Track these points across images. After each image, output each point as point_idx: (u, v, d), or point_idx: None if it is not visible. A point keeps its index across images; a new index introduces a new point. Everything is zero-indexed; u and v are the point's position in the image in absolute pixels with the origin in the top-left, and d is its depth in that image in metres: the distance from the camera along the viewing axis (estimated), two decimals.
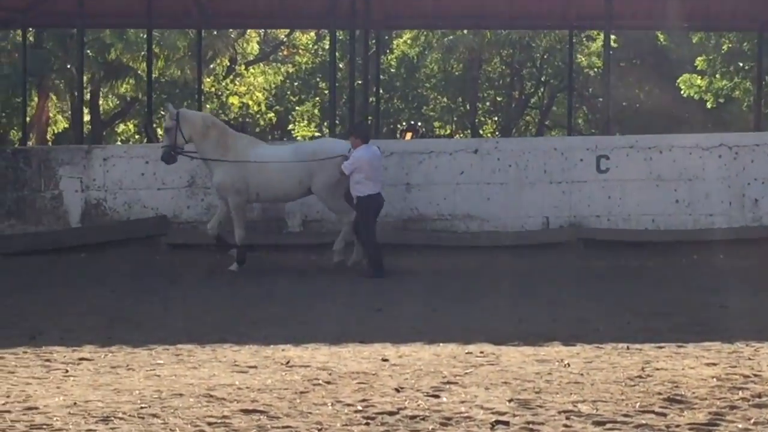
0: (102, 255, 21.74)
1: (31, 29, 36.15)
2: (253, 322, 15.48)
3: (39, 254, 21.71)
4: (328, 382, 11.52)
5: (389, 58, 46.97)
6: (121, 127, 49.47)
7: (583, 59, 46.94)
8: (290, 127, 48.39)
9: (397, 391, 11.09)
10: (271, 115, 47.72)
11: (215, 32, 41.95)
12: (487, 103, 50.86)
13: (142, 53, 41.03)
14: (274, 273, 20.29)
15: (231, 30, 42.50)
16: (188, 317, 16.03)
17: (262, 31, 46.85)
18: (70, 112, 46.02)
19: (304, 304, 17.19)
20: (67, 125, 48.27)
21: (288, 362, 12.58)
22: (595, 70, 46.71)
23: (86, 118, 46.77)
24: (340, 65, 36.98)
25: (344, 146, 20.29)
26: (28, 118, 34.92)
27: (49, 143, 45.17)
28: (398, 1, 28.70)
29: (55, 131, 48.56)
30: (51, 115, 46.82)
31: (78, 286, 18.99)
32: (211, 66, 44.90)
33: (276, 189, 20.20)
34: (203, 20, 30.43)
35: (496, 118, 50.74)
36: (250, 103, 46.47)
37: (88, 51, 40.84)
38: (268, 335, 14.29)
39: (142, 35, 38.86)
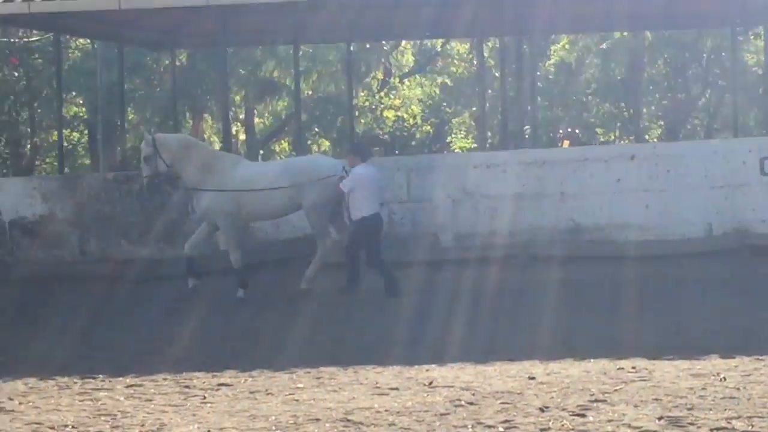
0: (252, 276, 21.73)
1: (181, 50, 36.49)
2: (399, 342, 15.29)
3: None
4: (471, 403, 11.32)
5: (547, 64, 46.48)
6: (277, 147, 49.60)
7: (751, 57, 45.91)
8: (448, 139, 48.11)
9: (542, 410, 10.84)
10: (428, 127, 47.46)
11: (368, 45, 41.84)
12: (653, 107, 50.03)
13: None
14: (426, 290, 20.02)
15: (384, 42, 42.28)
16: (334, 338, 15.91)
17: (417, 42, 46.57)
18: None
19: (454, 321, 16.92)
20: (222, 144, 48.64)
21: (431, 383, 12.40)
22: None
23: (242, 137, 47.35)
24: (496, 74, 36.66)
25: (335, 164, 20.04)
26: None
27: None
28: (552, 6, 28.19)
29: None
30: (206, 135, 47.25)
31: (224, 309, 18.95)
32: (366, 80, 44.81)
33: (265, 208, 19.75)
34: (350, 33, 30.42)
35: (661, 123, 49.89)
36: (406, 116, 46.28)
37: (240, 69, 41.17)
38: (414, 355, 14.10)
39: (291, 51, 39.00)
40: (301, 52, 38.73)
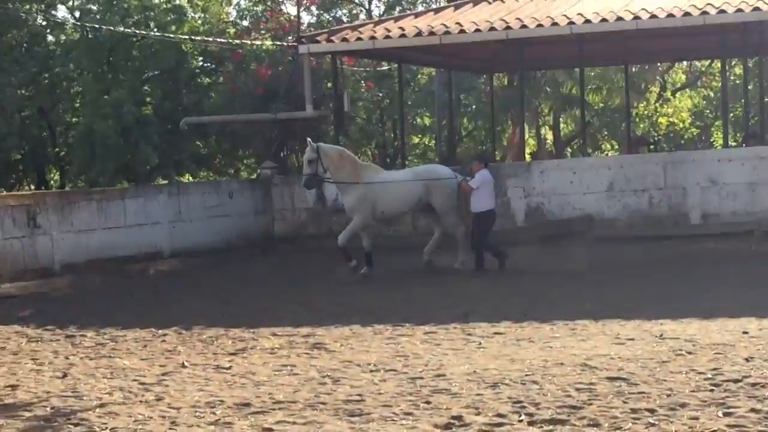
0: (542, 248, 21.02)
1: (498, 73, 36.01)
2: (645, 300, 14.33)
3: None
4: (690, 353, 10.49)
5: None
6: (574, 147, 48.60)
7: None
8: (712, 139, 46.11)
9: (747, 360, 9.95)
10: (694, 129, 45.65)
11: (646, 67, 40.43)
12: None
13: (588, 86, 40.24)
14: (675, 259, 18.90)
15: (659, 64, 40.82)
16: (592, 297, 14.97)
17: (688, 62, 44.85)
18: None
19: (693, 284, 15.85)
20: (535, 147, 48.02)
21: (661, 335, 11.58)
22: None
23: (550, 139, 46.71)
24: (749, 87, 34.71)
25: (450, 171, 19.48)
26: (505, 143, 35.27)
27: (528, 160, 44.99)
28: None
29: (528, 152, 48.31)
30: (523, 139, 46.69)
31: (512, 274, 18.19)
32: (645, 94, 43.34)
33: (398, 205, 19.01)
34: (628, 58, 29.44)
35: None
36: (676, 121, 44.64)
37: (547, 87, 40.51)
38: (654, 311, 13.21)
39: (590, 72, 38.08)
40: (593, 73, 37.94)
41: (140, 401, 9.41)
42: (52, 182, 33.34)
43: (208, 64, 31.77)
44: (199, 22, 32.34)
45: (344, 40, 23.22)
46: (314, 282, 18.12)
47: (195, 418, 8.67)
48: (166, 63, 29.36)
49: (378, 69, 33.76)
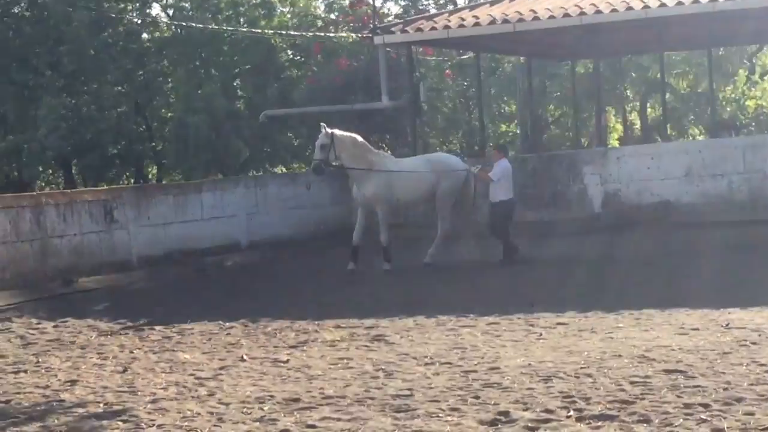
0: (619, 235, 20.50)
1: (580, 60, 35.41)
2: (713, 288, 13.72)
3: (569, 237, 20.83)
4: (754, 343, 10.08)
5: None
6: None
7: None
8: None
9: None
10: None
11: (733, 49, 39.43)
12: None
13: (674, 71, 39.52)
14: (756, 245, 17.97)
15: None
16: (660, 285, 14.50)
17: None
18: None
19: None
20: (622, 132, 47.20)
21: (727, 324, 11.15)
22: None
23: (637, 124, 45.89)
24: None
25: (460, 162, 18.82)
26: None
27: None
28: None
29: (616, 137, 47.50)
30: (610, 125, 45.88)
31: (585, 263, 17.61)
32: (732, 78, 42.28)
33: (414, 192, 18.29)
34: (711, 41, 28.65)
35: None
36: (765, 104, 43.48)
37: (632, 72, 39.79)
38: (721, 300, 12.70)
39: (675, 57, 37.33)
40: (679, 57, 37.21)
41: (192, 396, 9.31)
42: (150, 176, 33.63)
43: (299, 57, 31.83)
44: (288, 16, 32.38)
45: (418, 30, 22.96)
46: (383, 273, 17.84)
47: (242, 414, 8.54)
48: (256, 57, 29.43)
49: (461, 58, 33.35)
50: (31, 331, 13.83)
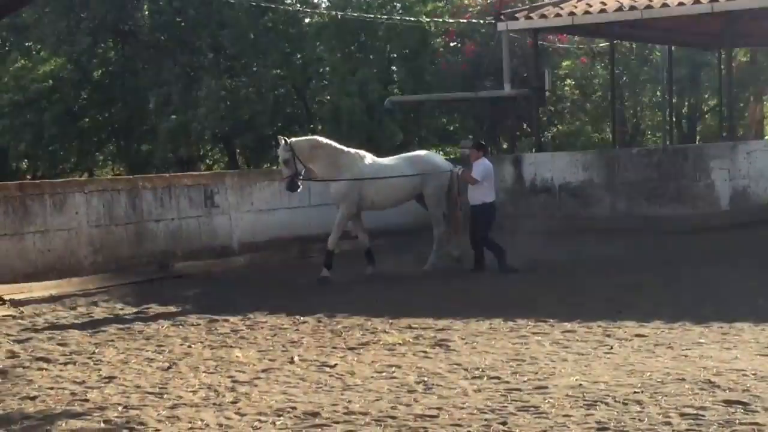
0: (748, 234, 19.02)
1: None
2: None
3: (693, 234, 19.42)
4: None
5: None
6: None
7: None
8: None
9: None
10: None
11: None
12: None
13: None
14: None
15: None
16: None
17: None
18: None
19: None
20: None
21: None
22: None
23: None
24: None
25: (445, 162, 17.16)
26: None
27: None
28: None
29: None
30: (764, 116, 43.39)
31: (699, 262, 16.27)
32: None
33: (392, 195, 16.54)
34: None
35: None
36: None
37: None
38: None
39: None
40: None
41: (214, 404, 8.57)
42: None
43: (454, 43, 30.99)
44: (442, 3, 31.52)
45: (543, 16, 21.78)
46: (489, 269, 16.77)
47: (250, 429, 7.74)
48: (410, 43, 28.71)
49: (601, 45, 31.84)
50: (109, 318, 13.41)
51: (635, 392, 8.26)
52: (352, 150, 16.49)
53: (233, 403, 8.58)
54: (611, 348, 10.16)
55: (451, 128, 31.12)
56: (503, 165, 22.00)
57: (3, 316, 13.47)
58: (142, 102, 30.42)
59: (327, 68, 29.79)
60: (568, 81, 31.17)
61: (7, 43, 34.09)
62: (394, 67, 30.25)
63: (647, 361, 9.48)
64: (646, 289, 13.88)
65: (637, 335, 10.77)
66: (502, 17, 22.35)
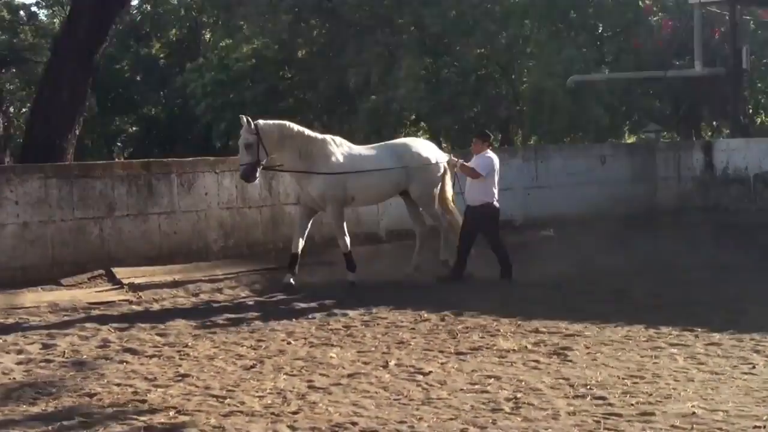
0: None
1: None
2: None
3: None
4: None
5: None
6: None
7: None
8: None
9: None
10: None
11: None
12: None
13: None
14: None
15: None
16: None
17: None
18: None
19: None
20: None
21: None
22: None
23: None
24: None
25: (435, 150, 14.71)
26: None
27: None
28: None
29: None
30: None
31: None
32: None
33: (370, 191, 14.23)
34: None
35: None
36: None
37: None
38: None
39: None
40: None
41: (273, 414, 7.79)
42: (518, 140, 32.25)
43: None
44: None
45: None
46: (659, 267, 15.35)
47: None
48: (622, 20, 27.34)
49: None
50: (228, 306, 12.86)
51: (755, 427, 6.97)
52: (328, 136, 14.34)
53: (294, 413, 7.77)
54: (753, 367, 8.81)
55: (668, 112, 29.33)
56: (691, 152, 20.39)
57: (119, 300, 13.09)
58: (344, 81, 29.97)
59: (532, 49, 28.54)
60: None
61: (219, 20, 34.64)
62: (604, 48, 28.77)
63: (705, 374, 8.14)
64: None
65: (712, 344, 9.43)
66: None
